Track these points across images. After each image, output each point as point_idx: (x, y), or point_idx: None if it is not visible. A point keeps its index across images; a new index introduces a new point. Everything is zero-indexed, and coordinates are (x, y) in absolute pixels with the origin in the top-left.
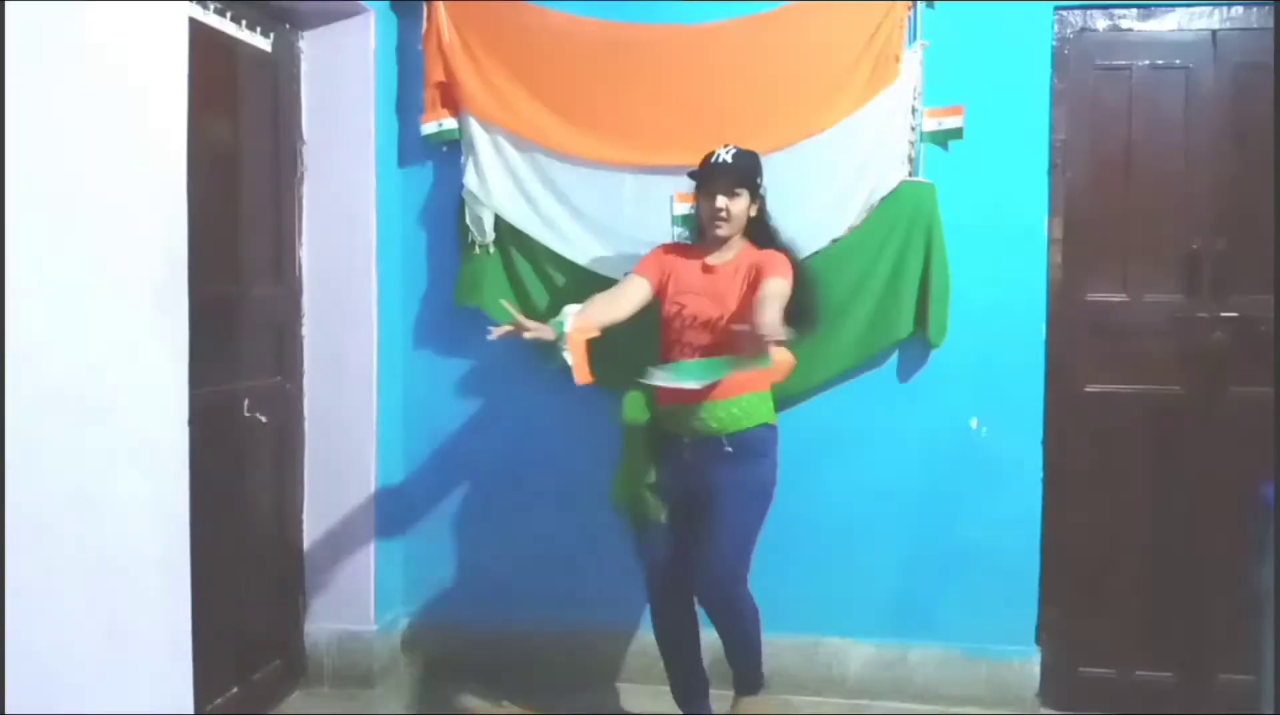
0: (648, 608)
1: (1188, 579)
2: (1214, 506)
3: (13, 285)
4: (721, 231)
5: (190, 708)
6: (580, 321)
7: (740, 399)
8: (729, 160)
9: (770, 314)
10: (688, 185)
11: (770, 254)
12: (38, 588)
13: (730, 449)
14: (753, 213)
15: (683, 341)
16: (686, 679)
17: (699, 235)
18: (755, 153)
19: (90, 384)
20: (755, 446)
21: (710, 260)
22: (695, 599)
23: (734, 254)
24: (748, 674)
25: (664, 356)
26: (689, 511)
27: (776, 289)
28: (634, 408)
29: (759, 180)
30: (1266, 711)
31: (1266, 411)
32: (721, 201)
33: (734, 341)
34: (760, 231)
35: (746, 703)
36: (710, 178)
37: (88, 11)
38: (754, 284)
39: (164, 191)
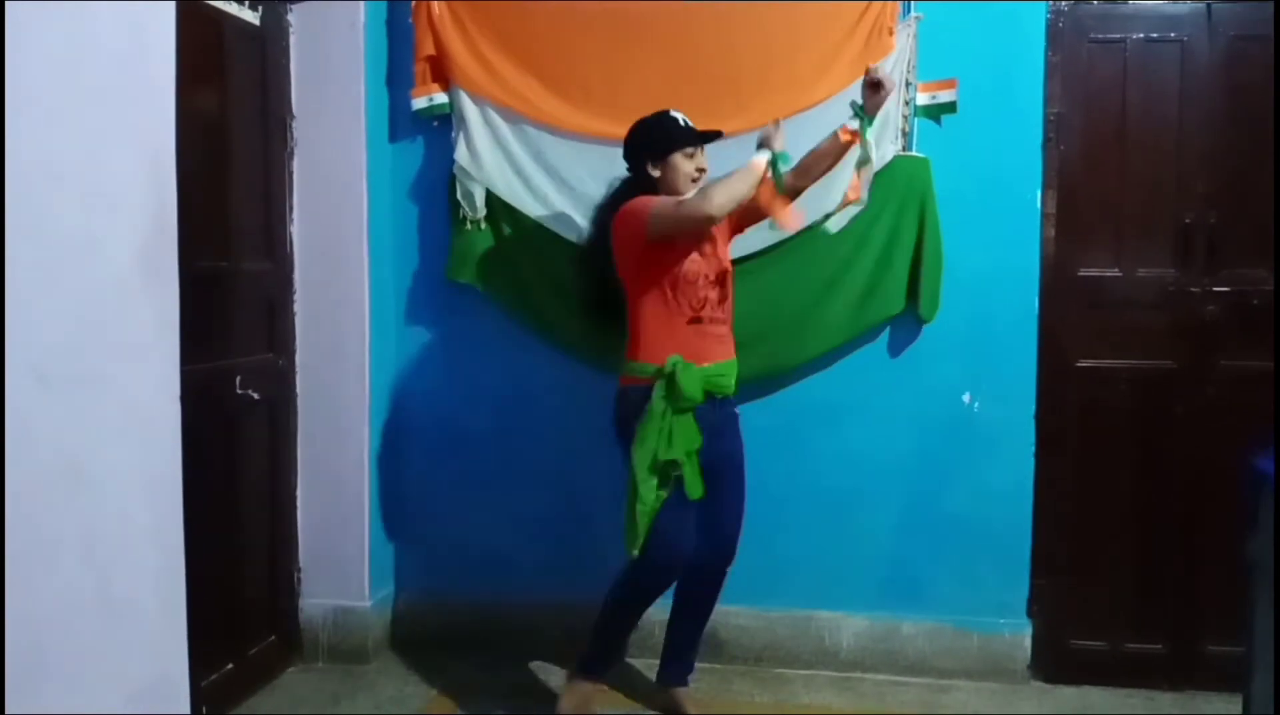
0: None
1: (1178, 552)
2: (1205, 480)
3: (5, 259)
4: (696, 188)
5: (185, 683)
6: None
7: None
8: (691, 124)
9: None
10: None
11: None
12: (32, 563)
13: (735, 411)
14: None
15: (700, 296)
16: (623, 647)
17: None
18: None
19: (81, 357)
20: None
21: None
22: (712, 569)
23: None
24: (693, 657)
25: (691, 312)
26: (709, 480)
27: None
28: (692, 383)
29: None
30: (1257, 684)
31: (1258, 385)
32: (702, 158)
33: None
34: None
35: (685, 693)
36: (691, 137)
37: None
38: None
39: (153, 165)
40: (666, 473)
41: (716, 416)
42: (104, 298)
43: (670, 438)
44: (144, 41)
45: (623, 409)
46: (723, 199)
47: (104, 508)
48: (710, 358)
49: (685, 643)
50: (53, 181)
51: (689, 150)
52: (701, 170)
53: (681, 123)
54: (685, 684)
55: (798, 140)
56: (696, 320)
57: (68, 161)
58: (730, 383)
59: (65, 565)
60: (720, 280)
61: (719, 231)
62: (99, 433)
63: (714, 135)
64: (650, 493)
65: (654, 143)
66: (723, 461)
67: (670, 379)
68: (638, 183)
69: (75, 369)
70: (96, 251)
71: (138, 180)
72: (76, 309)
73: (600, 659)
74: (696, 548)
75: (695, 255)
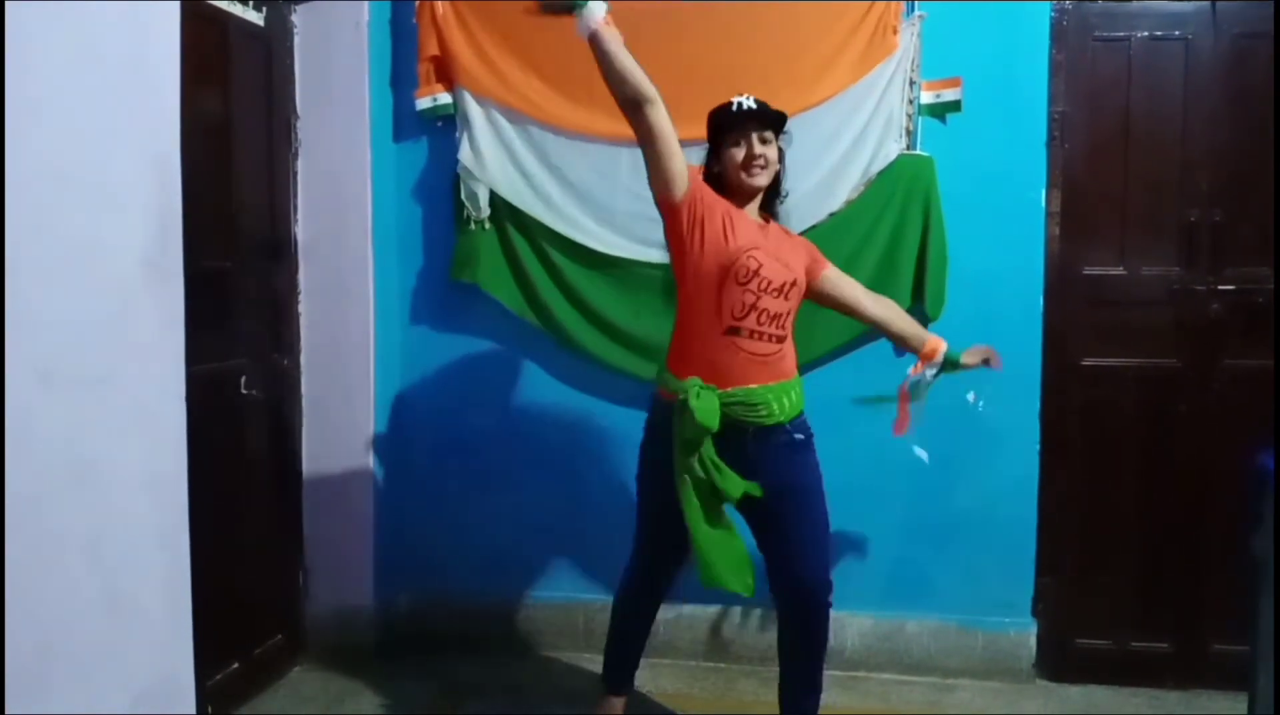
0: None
1: (1183, 551)
2: (1209, 478)
3: (9, 260)
4: (759, 179)
5: (191, 681)
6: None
7: (799, 381)
8: (754, 105)
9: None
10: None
11: (808, 241)
12: (37, 562)
13: (800, 436)
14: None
15: (759, 307)
16: (630, 653)
17: (729, 194)
18: None
19: (87, 356)
20: (810, 432)
21: (756, 218)
22: (783, 614)
23: (760, 218)
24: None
25: (732, 320)
26: (746, 514)
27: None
28: (708, 411)
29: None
30: (1261, 683)
31: (1262, 384)
32: (759, 146)
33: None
34: (771, 202)
35: None
36: (741, 121)
37: None
38: (811, 264)
39: (157, 165)
40: (709, 495)
41: (754, 449)
42: (109, 298)
43: (699, 463)
44: (148, 42)
45: (650, 416)
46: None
47: (109, 507)
48: (737, 381)
49: (794, 685)
50: (57, 182)
51: (735, 136)
52: (756, 159)
53: (735, 107)
54: None
55: (801, 140)
56: (733, 331)
57: (72, 161)
58: (762, 413)
59: (70, 565)
60: (784, 291)
61: (787, 243)
62: (104, 433)
63: (768, 116)
64: (699, 521)
65: (710, 138)
66: (775, 495)
67: (682, 408)
68: (709, 181)
69: (80, 369)
70: (101, 252)
71: (142, 180)
72: (81, 309)
73: (614, 655)
74: (775, 590)
75: (754, 252)
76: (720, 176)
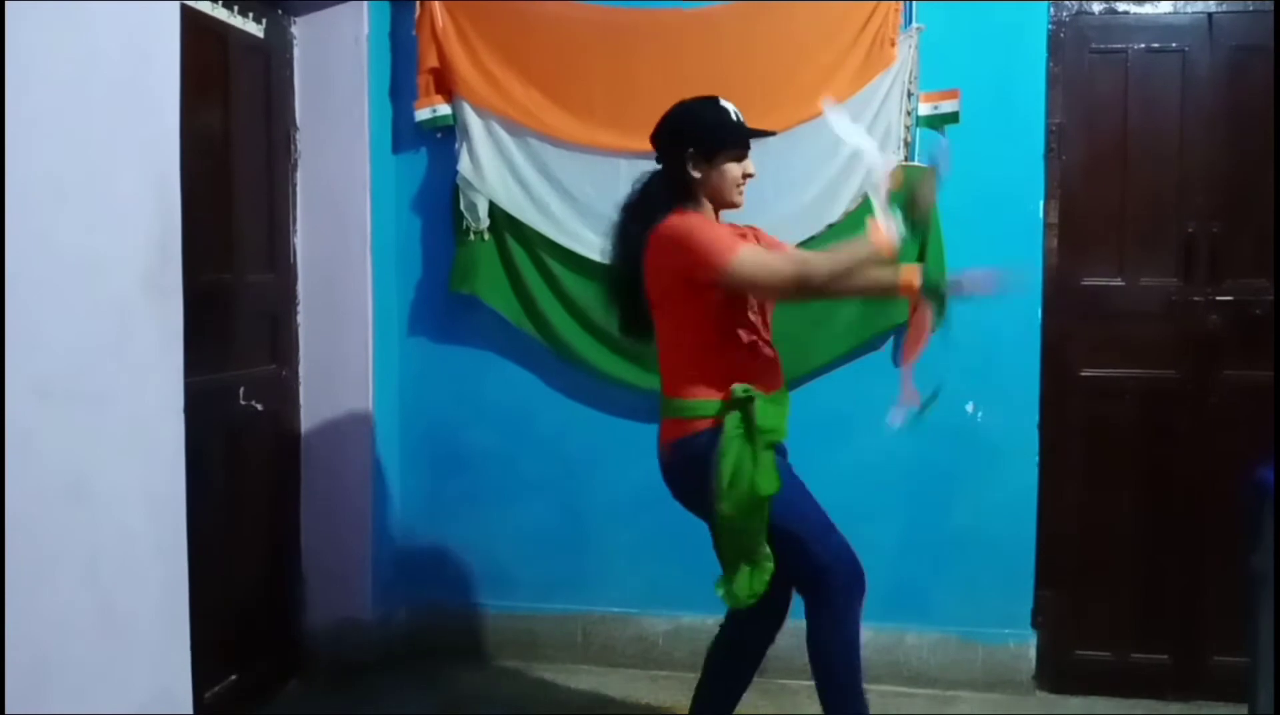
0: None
1: (1183, 562)
2: (1209, 490)
3: (9, 274)
4: (741, 199)
5: (189, 696)
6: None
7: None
8: (743, 119)
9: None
10: None
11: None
12: (35, 578)
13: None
14: None
15: (766, 318)
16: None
17: (697, 203)
18: None
19: (85, 370)
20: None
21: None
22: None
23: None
24: None
25: (745, 338)
26: None
27: None
28: (770, 415)
29: None
30: (1260, 695)
31: (1261, 395)
32: (752, 165)
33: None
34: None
35: None
36: (744, 139)
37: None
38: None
39: (157, 178)
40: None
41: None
42: (108, 313)
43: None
44: (147, 54)
45: (684, 464)
46: (835, 279)
47: (107, 522)
48: (775, 386)
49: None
50: (57, 195)
51: (739, 154)
52: (749, 176)
53: (733, 117)
54: None
55: (800, 151)
56: (752, 344)
57: (72, 174)
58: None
59: (68, 580)
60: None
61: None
62: (102, 448)
63: (768, 134)
64: (764, 548)
65: (700, 139)
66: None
67: (744, 410)
68: (671, 183)
69: (78, 384)
70: (101, 266)
71: (142, 193)
72: (80, 324)
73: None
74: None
75: None
76: (701, 182)
